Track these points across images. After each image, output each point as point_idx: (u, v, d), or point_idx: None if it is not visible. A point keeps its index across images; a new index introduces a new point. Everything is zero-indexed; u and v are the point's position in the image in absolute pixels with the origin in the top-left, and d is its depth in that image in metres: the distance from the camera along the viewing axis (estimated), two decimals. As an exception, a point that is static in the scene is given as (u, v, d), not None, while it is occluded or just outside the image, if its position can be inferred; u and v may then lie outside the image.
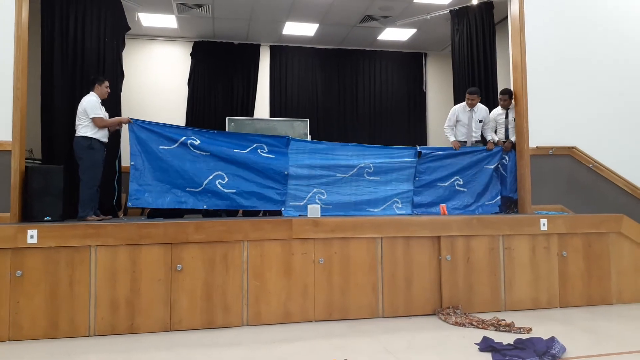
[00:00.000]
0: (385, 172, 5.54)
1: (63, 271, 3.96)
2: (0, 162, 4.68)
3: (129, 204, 4.90)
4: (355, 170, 5.44)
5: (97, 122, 5.01)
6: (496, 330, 4.07)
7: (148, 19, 8.00)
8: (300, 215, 4.96)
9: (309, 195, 5.28)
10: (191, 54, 8.84)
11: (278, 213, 5.26)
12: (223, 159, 5.10)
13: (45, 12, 5.83)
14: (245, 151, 5.16)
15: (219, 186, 5.08)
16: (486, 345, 3.57)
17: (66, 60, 5.83)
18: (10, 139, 4.71)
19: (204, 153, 5.06)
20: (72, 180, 5.30)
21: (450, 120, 6.22)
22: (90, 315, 3.98)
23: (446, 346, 3.67)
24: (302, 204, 5.24)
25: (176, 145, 5.00)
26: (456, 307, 4.58)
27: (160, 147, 4.96)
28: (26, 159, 5.10)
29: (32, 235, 3.91)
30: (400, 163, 5.59)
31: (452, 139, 6.10)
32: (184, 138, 5.02)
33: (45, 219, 4.67)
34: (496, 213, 5.68)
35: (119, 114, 6.19)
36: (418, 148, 5.68)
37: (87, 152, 4.99)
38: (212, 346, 3.73)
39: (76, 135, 5.03)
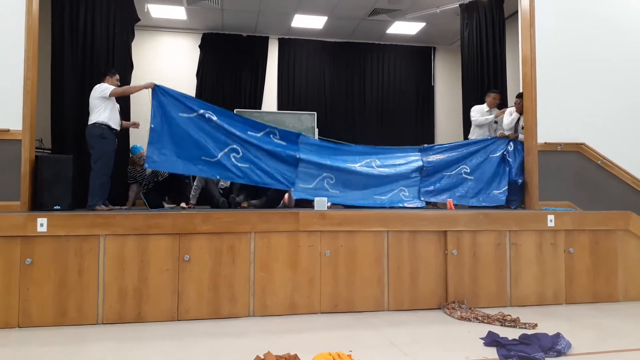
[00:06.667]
0: (392, 166, 5.59)
1: (72, 260, 4.01)
2: (11, 152, 4.72)
3: (146, 165, 4.94)
4: (363, 162, 5.49)
5: (116, 92, 5.04)
6: (501, 325, 4.08)
7: (157, 11, 8.02)
8: (308, 209, 4.97)
9: (318, 180, 5.31)
10: (200, 46, 8.85)
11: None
12: (238, 136, 5.12)
13: (56, 3, 5.86)
14: (258, 134, 5.21)
15: (233, 159, 5.09)
16: (491, 340, 3.57)
17: (76, 50, 5.87)
18: (21, 129, 4.75)
19: (221, 126, 5.08)
20: (81, 169, 5.34)
21: (476, 115, 6.47)
22: (98, 303, 4.02)
23: (451, 340, 3.68)
24: (311, 186, 5.27)
25: (195, 114, 4.99)
26: (462, 301, 4.59)
27: (180, 114, 4.95)
28: (36, 148, 5.14)
29: (41, 223, 3.95)
30: (406, 158, 5.64)
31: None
32: (202, 110, 5.02)
33: (54, 207, 4.71)
34: (502, 207, 5.66)
35: (128, 105, 6.24)
36: (423, 147, 5.78)
37: (99, 142, 5.01)
38: (218, 336, 3.76)
39: (89, 123, 5.05)
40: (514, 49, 6.91)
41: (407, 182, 5.59)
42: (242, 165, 5.12)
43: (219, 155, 5.03)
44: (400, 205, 5.44)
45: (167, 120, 4.92)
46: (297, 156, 5.24)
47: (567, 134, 5.71)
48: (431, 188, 5.63)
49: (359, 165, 5.46)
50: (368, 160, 5.51)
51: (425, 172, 5.63)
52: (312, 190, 5.24)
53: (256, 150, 5.17)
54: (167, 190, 6.15)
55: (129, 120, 6.09)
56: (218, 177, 5.18)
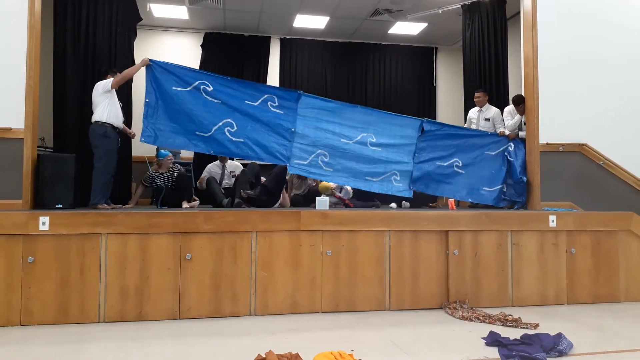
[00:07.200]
0: (387, 145, 5.48)
1: (74, 258, 4.02)
2: (13, 150, 4.72)
3: (141, 139, 4.92)
4: (359, 137, 5.39)
5: (117, 81, 5.01)
6: (503, 325, 4.08)
7: (159, 10, 8.02)
8: (309, 209, 4.97)
9: (312, 157, 5.26)
10: (202, 46, 8.85)
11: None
12: (234, 109, 5.06)
13: (58, 2, 5.87)
14: (255, 103, 5.13)
15: (227, 134, 5.04)
16: (493, 339, 3.57)
17: (78, 49, 5.87)
18: (23, 127, 4.75)
19: (216, 100, 5.02)
20: (83, 168, 5.34)
21: (466, 124, 6.69)
22: (100, 302, 4.03)
23: (452, 340, 3.68)
24: (305, 162, 5.24)
25: (189, 88, 4.95)
26: (463, 301, 4.58)
27: (173, 88, 4.92)
28: (38, 147, 5.13)
29: (43, 222, 3.96)
30: (402, 137, 5.53)
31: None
32: (197, 82, 4.98)
33: (56, 206, 4.71)
34: (499, 207, 5.64)
35: (130, 103, 6.23)
36: (424, 120, 5.61)
37: (102, 141, 4.99)
38: (220, 335, 3.76)
39: (92, 121, 5.04)
40: (515, 50, 6.90)
41: (400, 167, 5.49)
42: (237, 139, 5.06)
43: (213, 130, 4.99)
44: (390, 193, 5.42)
45: (162, 95, 4.90)
46: (292, 129, 5.20)
47: (569, 134, 5.71)
48: (421, 175, 5.54)
49: (353, 141, 5.36)
50: (364, 134, 5.41)
51: (418, 159, 5.55)
52: (306, 167, 5.24)
53: (252, 124, 5.11)
54: (181, 191, 6.09)
55: (131, 118, 6.09)
56: (212, 152, 5.12)
